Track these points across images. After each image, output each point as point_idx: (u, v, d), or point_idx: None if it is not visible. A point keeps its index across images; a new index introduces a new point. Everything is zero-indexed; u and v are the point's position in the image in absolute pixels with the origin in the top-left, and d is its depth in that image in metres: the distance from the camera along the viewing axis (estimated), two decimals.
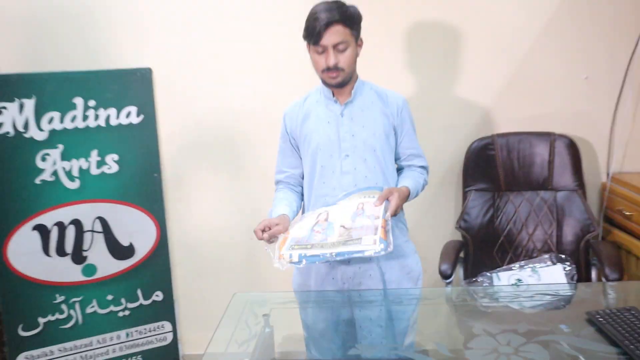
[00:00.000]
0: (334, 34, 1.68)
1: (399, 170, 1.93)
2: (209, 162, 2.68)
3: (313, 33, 1.69)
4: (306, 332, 1.80)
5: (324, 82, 1.81)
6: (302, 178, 1.94)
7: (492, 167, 2.45)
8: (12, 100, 2.14)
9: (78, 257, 2.31)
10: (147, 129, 2.34)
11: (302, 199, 1.95)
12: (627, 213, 2.29)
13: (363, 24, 1.77)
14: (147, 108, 2.33)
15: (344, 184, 1.79)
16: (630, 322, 1.41)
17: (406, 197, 1.76)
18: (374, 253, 1.49)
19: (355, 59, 1.77)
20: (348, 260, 1.78)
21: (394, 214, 1.65)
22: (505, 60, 2.50)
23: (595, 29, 2.45)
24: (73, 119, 2.23)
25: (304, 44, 1.78)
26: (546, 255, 2.28)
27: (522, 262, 2.30)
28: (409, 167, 1.91)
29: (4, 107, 2.14)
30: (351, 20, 1.71)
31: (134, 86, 2.30)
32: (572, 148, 2.39)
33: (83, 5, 2.57)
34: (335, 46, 1.69)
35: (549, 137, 2.41)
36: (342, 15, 1.68)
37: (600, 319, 1.45)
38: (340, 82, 1.75)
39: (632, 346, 1.31)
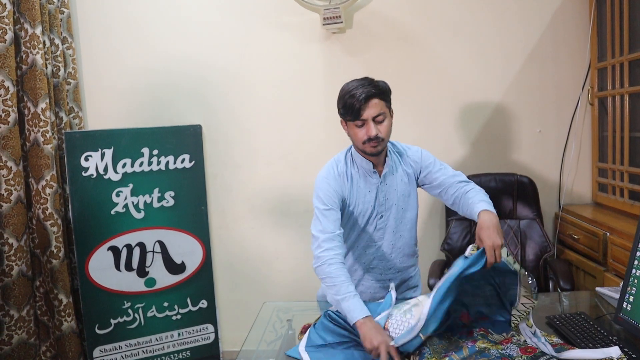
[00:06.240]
0: (373, 107, 1.45)
1: (456, 197, 1.58)
2: (244, 197, 2.68)
3: (353, 109, 1.45)
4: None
5: (364, 152, 1.53)
6: None
7: None
8: (96, 150, 2.22)
9: (142, 271, 2.34)
10: (197, 172, 2.39)
11: None
12: (576, 237, 2.28)
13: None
14: (197, 155, 2.39)
15: (376, 237, 1.64)
16: (580, 324, 1.40)
17: (492, 215, 1.46)
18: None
19: (391, 129, 1.52)
20: (373, 279, 1.71)
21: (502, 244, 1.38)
22: (477, 118, 2.53)
23: (546, 94, 2.48)
24: (141, 164, 2.30)
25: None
26: None
27: None
28: (464, 191, 1.57)
29: (90, 155, 2.21)
30: (385, 93, 1.49)
31: (187, 139, 2.37)
32: (531, 185, 2.37)
33: (149, 80, 2.64)
34: (374, 118, 1.46)
35: (513, 177, 2.39)
36: (377, 89, 1.46)
37: (557, 322, 1.44)
38: (380, 150, 1.50)
39: (582, 343, 1.30)
